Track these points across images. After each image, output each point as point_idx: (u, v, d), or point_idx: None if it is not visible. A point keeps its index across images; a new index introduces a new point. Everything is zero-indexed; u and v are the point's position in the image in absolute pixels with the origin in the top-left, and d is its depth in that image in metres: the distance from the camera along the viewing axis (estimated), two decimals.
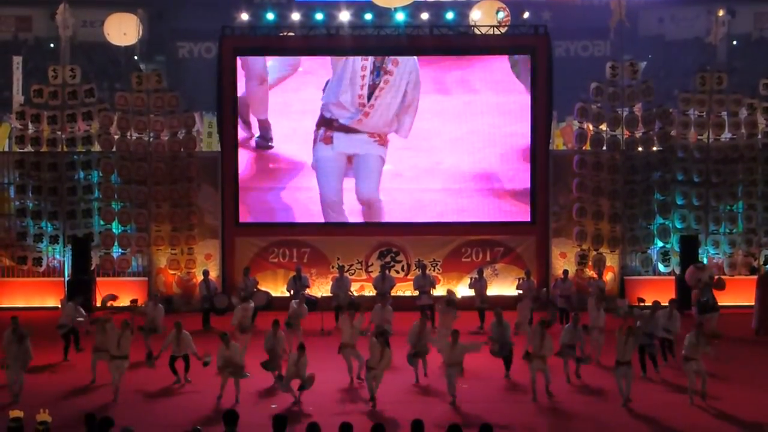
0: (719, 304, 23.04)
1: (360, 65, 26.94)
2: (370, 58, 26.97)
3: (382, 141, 27.17)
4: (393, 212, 27.48)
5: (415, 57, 27.17)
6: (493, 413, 16.91)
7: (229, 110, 27.33)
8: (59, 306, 26.08)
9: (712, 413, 17.38)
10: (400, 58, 27.06)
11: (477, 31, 28.21)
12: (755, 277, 25.47)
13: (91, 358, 19.41)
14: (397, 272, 27.14)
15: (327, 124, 27.08)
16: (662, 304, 20.65)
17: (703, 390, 17.81)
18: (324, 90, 27.05)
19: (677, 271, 26.88)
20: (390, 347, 18.10)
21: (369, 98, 26.97)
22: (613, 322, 20.67)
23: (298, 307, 21.76)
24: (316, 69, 27.30)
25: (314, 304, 23.96)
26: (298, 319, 21.52)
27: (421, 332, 19.34)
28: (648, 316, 19.80)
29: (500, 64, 27.50)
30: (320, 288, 26.54)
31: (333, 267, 27.11)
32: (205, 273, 25.58)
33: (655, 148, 27.73)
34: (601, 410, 17.64)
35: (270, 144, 27.37)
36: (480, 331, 22.69)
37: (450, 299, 22.14)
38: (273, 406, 17.60)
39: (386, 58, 27.01)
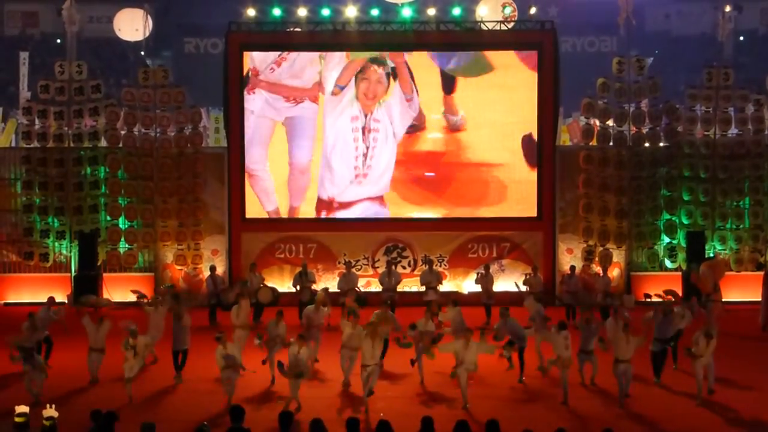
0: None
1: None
2: None
3: (382, 203, 27.50)
4: (400, 207, 27.53)
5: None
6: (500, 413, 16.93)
7: (235, 106, 27.34)
8: (66, 301, 26.18)
9: (718, 411, 17.31)
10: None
11: (484, 27, 28.19)
12: (762, 272, 25.44)
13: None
14: (404, 268, 27.13)
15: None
16: (668, 300, 20.56)
17: (710, 385, 17.83)
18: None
19: (684, 267, 26.85)
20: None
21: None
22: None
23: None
24: None
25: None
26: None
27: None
28: (661, 320, 19.16)
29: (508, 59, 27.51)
30: (327, 284, 26.54)
31: (339, 263, 27.15)
32: (212, 268, 25.60)
33: (661, 144, 27.69)
34: (607, 412, 17.48)
35: None
36: (486, 327, 22.58)
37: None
38: (279, 398, 17.59)
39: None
